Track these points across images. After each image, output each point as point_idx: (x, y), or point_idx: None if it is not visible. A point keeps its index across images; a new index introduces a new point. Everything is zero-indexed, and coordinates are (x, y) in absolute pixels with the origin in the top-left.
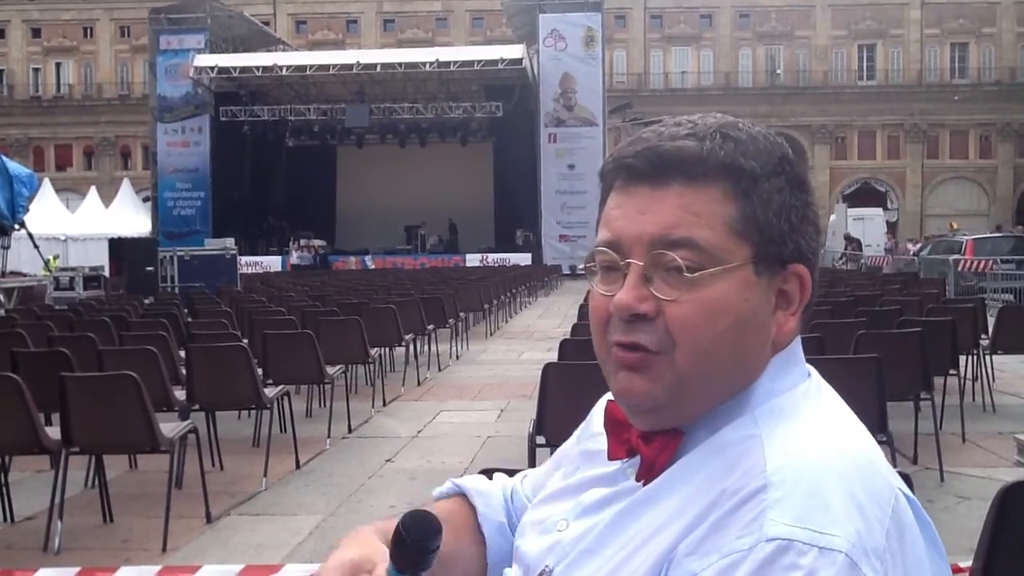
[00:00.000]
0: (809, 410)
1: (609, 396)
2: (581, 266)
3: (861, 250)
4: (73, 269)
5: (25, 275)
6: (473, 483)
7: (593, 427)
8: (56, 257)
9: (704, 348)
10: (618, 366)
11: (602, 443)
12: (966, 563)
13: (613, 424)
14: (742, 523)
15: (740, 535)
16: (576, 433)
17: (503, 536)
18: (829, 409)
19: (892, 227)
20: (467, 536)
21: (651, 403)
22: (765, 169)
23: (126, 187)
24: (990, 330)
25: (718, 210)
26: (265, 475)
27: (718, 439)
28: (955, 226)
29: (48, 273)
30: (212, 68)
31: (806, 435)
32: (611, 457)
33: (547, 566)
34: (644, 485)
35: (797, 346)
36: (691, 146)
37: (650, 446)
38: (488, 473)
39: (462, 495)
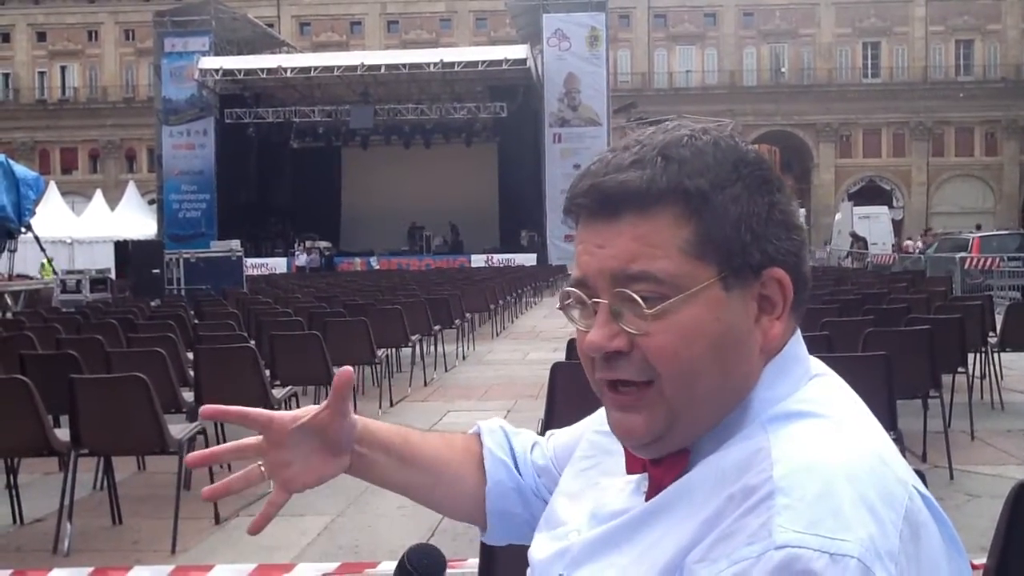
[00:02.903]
0: (816, 410)
1: None
2: (557, 305)
3: (867, 248)
4: (79, 272)
5: (32, 278)
6: (487, 423)
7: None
8: (51, 260)
9: (686, 372)
10: (612, 406)
11: (616, 444)
12: (979, 560)
13: None
14: (750, 530)
15: (749, 542)
16: (593, 424)
17: (506, 474)
18: (838, 406)
19: (898, 225)
20: (469, 462)
21: (649, 436)
22: (717, 182)
23: (131, 190)
24: (998, 328)
25: (671, 236)
26: None
27: (725, 447)
28: None
29: (53, 276)
30: (217, 70)
31: (813, 437)
32: (630, 471)
33: (560, 575)
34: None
35: (795, 345)
36: (634, 177)
37: (658, 467)
38: None
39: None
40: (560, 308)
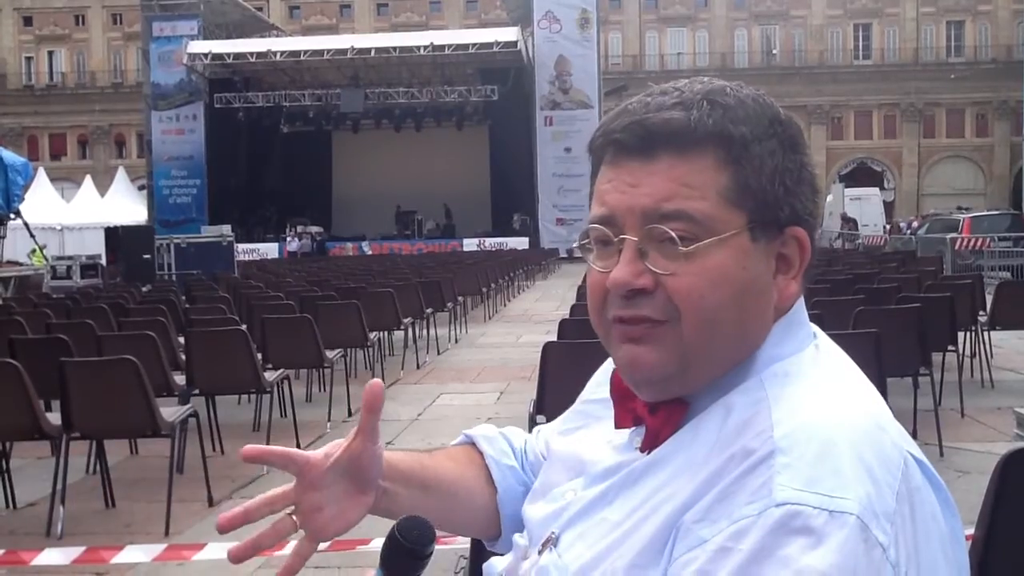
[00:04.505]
0: (816, 373)
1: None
2: (576, 244)
3: (858, 230)
4: (70, 258)
5: (21, 264)
6: (481, 431)
7: (599, 387)
8: (42, 248)
9: (708, 317)
10: (622, 340)
11: (608, 406)
12: (968, 532)
13: (619, 393)
14: (751, 489)
15: (749, 501)
16: (582, 396)
17: (514, 478)
18: (837, 371)
19: (889, 206)
20: (476, 474)
21: (661, 374)
22: (756, 133)
23: (121, 176)
24: (988, 306)
25: (710, 180)
26: None
27: (724, 404)
28: None
29: (44, 262)
30: (206, 55)
31: (814, 399)
32: (618, 426)
33: (553, 532)
34: (648, 455)
35: (800, 309)
36: (678, 117)
37: (655, 416)
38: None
39: (472, 444)
40: (577, 246)
